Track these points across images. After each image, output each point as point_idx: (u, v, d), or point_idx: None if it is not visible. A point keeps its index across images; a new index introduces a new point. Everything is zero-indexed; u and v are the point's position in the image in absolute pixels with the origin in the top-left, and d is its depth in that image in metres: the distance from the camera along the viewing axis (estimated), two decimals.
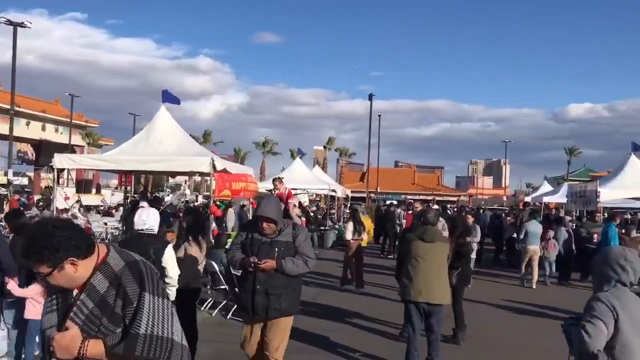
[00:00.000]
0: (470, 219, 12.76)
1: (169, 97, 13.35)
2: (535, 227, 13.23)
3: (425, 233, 6.15)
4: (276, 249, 4.74)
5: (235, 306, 8.61)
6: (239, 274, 5.77)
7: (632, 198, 17.91)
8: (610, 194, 18.79)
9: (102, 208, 28.71)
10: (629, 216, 23.28)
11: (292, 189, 23.24)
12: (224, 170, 12.32)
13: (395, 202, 41.57)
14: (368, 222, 14.00)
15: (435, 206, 21.19)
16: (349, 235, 12.03)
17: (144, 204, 12.46)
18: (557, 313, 9.58)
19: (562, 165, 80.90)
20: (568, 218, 15.46)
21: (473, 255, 11.73)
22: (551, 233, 13.91)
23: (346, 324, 8.81)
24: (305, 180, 22.72)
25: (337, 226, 22.16)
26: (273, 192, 12.47)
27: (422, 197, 59.22)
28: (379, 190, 47.21)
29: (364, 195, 45.04)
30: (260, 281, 4.73)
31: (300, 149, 26.89)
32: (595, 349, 2.85)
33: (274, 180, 13.41)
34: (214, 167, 11.42)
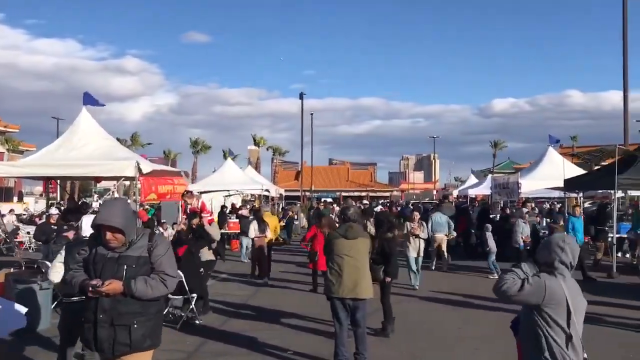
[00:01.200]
0: (418, 217, 12.88)
1: (91, 100, 12.92)
2: (439, 217, 14.63)
3: (347, 231, 6.26)
4: (125, 267, 3.81)
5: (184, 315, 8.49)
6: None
7: (551, 188, 18.85)
8: (530, 185, 19.78)
9: (24, 217, 27.37)
10: (547, 205, 24.46)
11: (225, 190, 23.11)
12: (152, 174, 12.04)
13: (330, 200, 41.97)
14: (274, 221, 14.60)
15: (365, 202, 21.57)
16: (252, 234, 13.28)
17: (53, 210, 12.08)
18: (485, 302, 9.88)
19: (488, 159, 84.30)
20: (525, 210, 16.00)
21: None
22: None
23: (277, 323, 8.81)
24: (238, 181, 22.54)
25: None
26: (184, 205, 12.04)
27: (356, 193, 60.06)
28: (313, 189, 47.47)
29: (299, 194, 45.18)
30: (104, 309, 3.76)
31: (231, 149, 26.64)
32: (511, 293, 3.24)
33: (183, 194, 12.78)
34: (139, 170, 11.13)
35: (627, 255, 16.37)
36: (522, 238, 13.67)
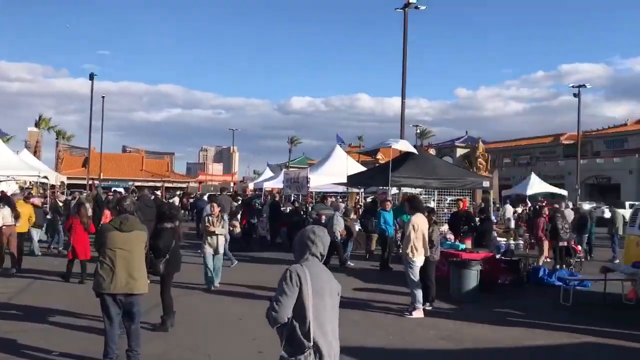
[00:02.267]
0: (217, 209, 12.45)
1: None
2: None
3: (122, 223, 5.92)
4: None
5: None
6: None
7: (336, 183, 20.19)
8: (318, 180, 20.88)
9: None
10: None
11: None
12: None
13: (121, 190, 39.68)
14: (27, 210, 13.79)
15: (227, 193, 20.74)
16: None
17: None
18: (269, 293, 10.15)
19: (285, 153, 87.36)
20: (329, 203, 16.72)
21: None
22: None
23: (44, 322, 8.05)
24: (10, 166, 20.07)
25: (48, 216, 20.11)
26: None
27: (151, 183, 57.70)
28: (102, 177, 44.46)
29: (86, 182, 41.94)
30: None
31: (1, 129, 23.64)
32: (283, 319, 3.27)
33: None
34: None
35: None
36: (339, 232, 14.08)
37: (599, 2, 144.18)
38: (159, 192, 37.24)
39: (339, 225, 14.21)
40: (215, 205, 11.24)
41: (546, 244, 14.51)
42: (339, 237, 14.13)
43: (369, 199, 22.90)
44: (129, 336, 6.04)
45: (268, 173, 37.10)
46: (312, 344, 3.26)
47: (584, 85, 38.99)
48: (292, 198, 26.66)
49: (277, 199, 21.80)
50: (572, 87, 39.34)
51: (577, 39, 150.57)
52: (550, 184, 38.21)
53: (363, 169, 22.37)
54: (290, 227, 18.63)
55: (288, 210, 20.82)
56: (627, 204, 31.62)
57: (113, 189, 36.81)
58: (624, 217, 17.71)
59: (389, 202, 15.09)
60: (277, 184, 28.44)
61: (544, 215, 15.10)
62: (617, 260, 15.20)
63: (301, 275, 3.31)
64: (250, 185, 38.10)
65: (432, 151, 72.65)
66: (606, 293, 10.60)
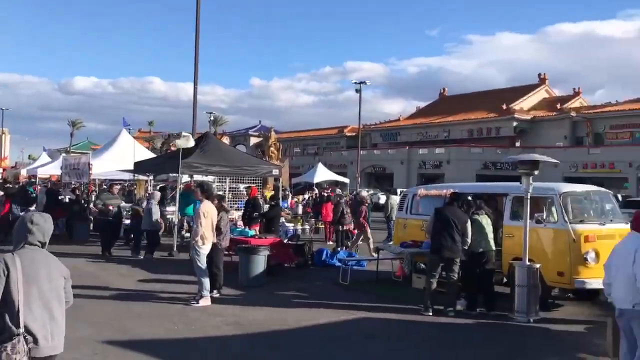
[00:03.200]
0: None
1: None
2: None
3: None
4: None
5: None
6: None
7: (122, 170, 19.05)
8: (102, 166, 19.50)
9: None
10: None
11: None
12: None
13: None
14: None
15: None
16: None
17: None
18: None
19: (66, 137, 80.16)
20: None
21: None
22: None
23: None
24: None
25: None
26: None
27: None
28: None
29: None
30: None
31: None
32: None
33: None
34: None
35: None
36: (159, 221, 13.96)
37: (378, 5, 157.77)
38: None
39: (157, 214, 13.84)
40: None
41: (368, 230, 15.39)
42: (161, 227, 14.09)
43: (158, 187, 22.09)
44: None
45: (45, 158, 33.60)
46: (22, 330, 3.32)
47: (364, 82, 42.41)
48: (73, 186, 24.56)
49: (51, 186, 19.86)
50: (355, 83, 42.57)
51: (360, 38, 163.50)
52: (335, 172, 41.00)
53: (152, 155, 21.49)
54: (70, 217, 17.17)
55: (67, 199, 19.13)
56: (399, 190, 35.31)
57: None
58: (396, 203, 19.71)
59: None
60: (54, 170, 25.92)
61: (365, 204, 16.14)
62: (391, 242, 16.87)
63: (9, 263, 3.37)
64: (24, 172, 34.19)
65: (226, 139, 73.00)
66: (379, 271, 11.67)
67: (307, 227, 18.73)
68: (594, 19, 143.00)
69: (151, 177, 22.91)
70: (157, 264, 12.99)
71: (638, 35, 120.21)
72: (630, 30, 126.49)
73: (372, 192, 37.31)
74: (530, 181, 8.64)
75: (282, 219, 16.12)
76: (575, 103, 49.50)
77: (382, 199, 31.92)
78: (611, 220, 9.36)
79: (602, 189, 10.65)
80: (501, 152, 43.79)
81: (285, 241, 13.19)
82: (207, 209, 9.15)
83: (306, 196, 28.22)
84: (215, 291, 9.47)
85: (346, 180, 38.07)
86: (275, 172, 16.84)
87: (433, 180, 42.18)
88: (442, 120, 54.39)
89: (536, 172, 8.66)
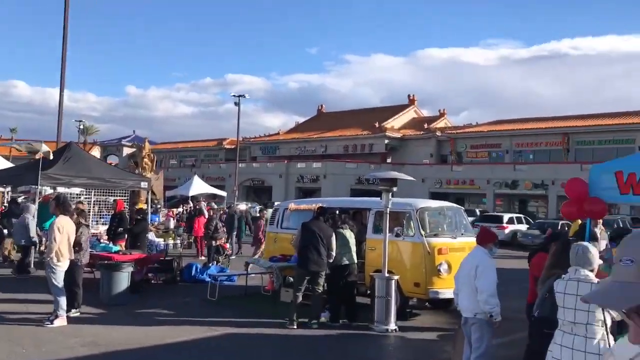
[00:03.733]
0: None
1: None
2: None
3: None
4: None
5: None
6: None
7: None
8: None
9: None
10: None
11: None
12: None
13: None
14: None
15: None
16: None
17: None
18: None
19: None
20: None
21: None
22: None
23: None
24: None
25: None
26: None
27: None
28: None
29: None
30: None
31: None
32: None
33: None
34: None
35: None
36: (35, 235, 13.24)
37: (258, 19, 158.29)
38: None
39: (33, 229, 13.14)
40: None
41: (264, 245, 15.16)
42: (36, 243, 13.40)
43: (21, 199, 20.49)
44: None
45: None
46: None
47: (243, 96, 42.46)
48: None
49: None
50: (234, 96, 42.46)
51: (241, 52, 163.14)
52: (213, 185, 40.41)
53: (10, 164, 19.89)
54: None
55: None
56: (275, 204, 35.57)
57: None
58: None
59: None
60: None
61: (262, 218, 16.02)
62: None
63: None
64: None
65: (97, 149, 69.32)
66: (248, 286, 11.69)
67: (178, 241, 18.29)
68: (460, 45, 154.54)
69: (8, 189, 21.24)
70: (9, 282, 12.03)
71: (497, 63, 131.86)
72: (491, 58, 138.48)
73: (250, 205, 37.24)
74: (390, 197, 9.16)
75: (152, 234, 15.62)
76: (440, 123, 53.05)
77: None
78: (462, 234, 10.16)
79: (455, 205, 11.54)
80: (374, 167, 45.71)
81: (152, 257, 12.80)
82: (63, 223, 8.65)
83: (180, 209, 27.56)
84: (73, 310, 8.96)
85: (223, 194, 37.64)
86: (144, 184, 16.28)
87: (310, 194, 43.13)
88: (319, 136, 55.75)
89: (395, 189, 9.20)
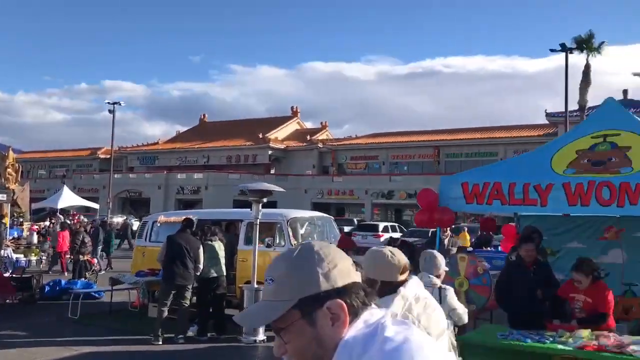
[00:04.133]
0: None
1: None
2: None
3: None
4: None
5: None
6: None
7: None
8: None
9: None
10: None
11: None
12: None
13: None
14: None
15: None
16: None
17: None
18: None
19: None
20: None
21: None
22: None
23: None
24: None
25: None
26: None
27: None
28: None
29: None
30: None
31: None
32: None
33: None
34: None
35: None
36: None
37: (137, 26, 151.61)
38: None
39: None
40: None
41: None
42: None
43: None
44: None
45: None
46: None
47: (118, 103, 40.57)
48: None
49: None
50: (108, 103, 40.52)
51: (119, 57, 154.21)
52: (86, 197, 38.24)
53: None
54: None
55: None
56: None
57: None
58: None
59: None
60: None
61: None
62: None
63: None
64: None
65: None
66: (115, 302, 11.16)
67: (43, 257, 17.11)
68: (342, 60, 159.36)
69: None
70: None
71: (377, 79, 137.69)
72: (371, 74, 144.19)
73: (126, 218, 35.67)
74: (260, 207, 9.20)
75: (9, 250, 14.48)
76: (322, 135, 54.27)
77: (135, 225, 30.70)
78: (331, 243, 10.43)
79: (325, 215, 11.83)
80: (258, 178, 45.66)
81: (7, 274, 11.84)
82: None
83: (47, 223, 25.81)
84: None
85: (96, 206, 35.74)
86: (2, 196, 15.09)
87: (191, 206, 42.11)
88: (201, 146, 54.76)
89: (265, 200, 9.26)
